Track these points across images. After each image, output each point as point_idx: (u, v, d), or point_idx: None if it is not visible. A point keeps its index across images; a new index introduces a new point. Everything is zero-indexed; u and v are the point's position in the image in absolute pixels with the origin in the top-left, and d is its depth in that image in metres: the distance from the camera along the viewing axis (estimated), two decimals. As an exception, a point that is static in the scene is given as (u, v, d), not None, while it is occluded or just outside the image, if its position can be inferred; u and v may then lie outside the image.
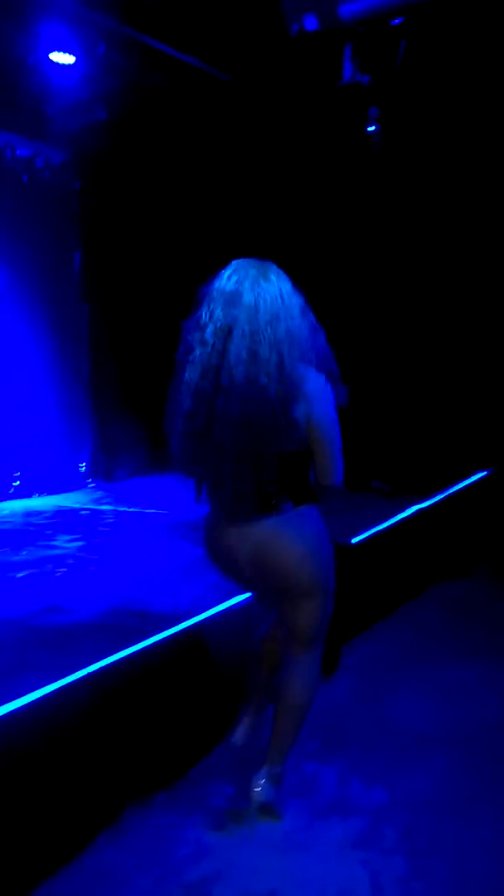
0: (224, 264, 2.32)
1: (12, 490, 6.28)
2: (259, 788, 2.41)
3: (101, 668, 2.74)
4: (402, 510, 4.91)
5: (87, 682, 2.66)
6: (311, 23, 4.71)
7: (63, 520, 5.50)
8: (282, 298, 2.20)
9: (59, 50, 5.24)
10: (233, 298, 2.18)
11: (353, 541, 4.23)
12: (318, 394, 2.21)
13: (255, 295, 2.17)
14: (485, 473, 6.16)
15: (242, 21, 5.25)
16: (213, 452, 2.21)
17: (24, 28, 5.01)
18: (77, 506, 6.03)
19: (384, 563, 4.38)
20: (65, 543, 4.77)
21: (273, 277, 2.23)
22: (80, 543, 4.76)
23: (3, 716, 2.33)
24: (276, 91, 5.96)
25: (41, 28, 5.06)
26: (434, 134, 5.83)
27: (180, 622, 3.09)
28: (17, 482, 6.34)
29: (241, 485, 2.20)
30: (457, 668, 3.52)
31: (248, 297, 2.17)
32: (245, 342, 2.14)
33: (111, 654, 2.88)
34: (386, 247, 6.18)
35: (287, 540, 2.27)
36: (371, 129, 5.92)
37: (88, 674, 2.74)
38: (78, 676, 2.69)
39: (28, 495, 6.32)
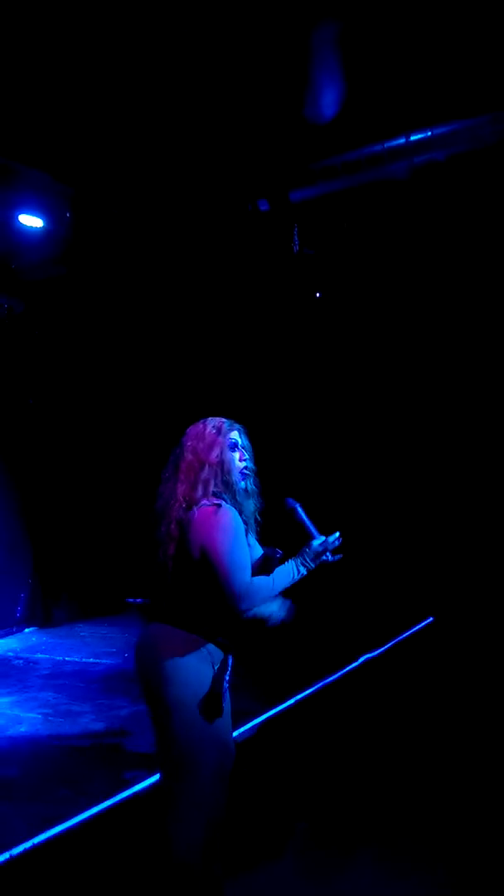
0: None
1: None
2: None
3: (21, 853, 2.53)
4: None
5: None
6: (263, 205, 5.20)
7: (-6, 670, 5.20)
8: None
9: (27, 213, 5.59)
10: None
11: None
12: None
13: None
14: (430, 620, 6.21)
15: (200, 195, 5.73)
16: None
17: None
18: (10, 654, 5.72)
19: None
20: (-5, 698, 4.49)
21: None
22: (11, 699, 4.48)
23: None
24: (232, 258, 6.45)
25: (12, 194, 5.42)
26: (370, 297, 6.38)
27: (117, 793, 2.90)
28: None
29: None
30: (407, 839, 3.31)
31: None
32: None
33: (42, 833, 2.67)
34: (326, 402, 6.54)
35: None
36: (318, 294, 6.41)
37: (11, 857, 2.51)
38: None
39: (-41, 642, 5.99)
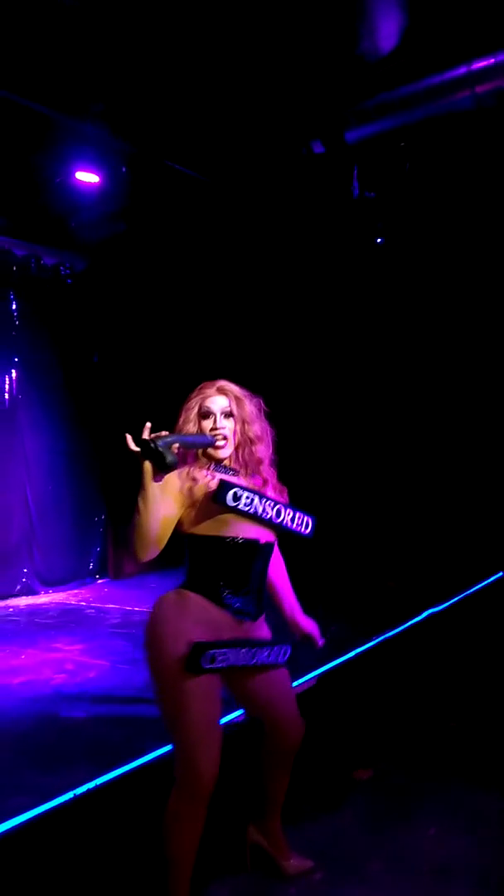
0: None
1: (19, 587, 6.24)
2: None
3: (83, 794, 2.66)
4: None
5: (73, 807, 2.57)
6: (318, 147, 5.01)
7: (67, 619, 5.43)
8: None
9: (84, 170, 5.59)
10: None
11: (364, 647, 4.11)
12: None
13: None
14: (500, 574, 6.10)
15: (252, 141, 5.56)
16: None
17: (52, 151, 5.37)
18: (83, 604, 5.96)
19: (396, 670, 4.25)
20: (66, 646, 4.69)
21: None
22: (81, 646, 4.68)
23: None
24: (290, 205, 6.28)
25: (68, 151, 5.42)
26: (436, 242, 6.11)
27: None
28: (25, 578, 6.30)
29: None
30: (474, 791, 3.29)
31: None
32: None
33: (98, 777, 2.80)
34: (391, 353, 6.36)
35: None
36: (379, 241, 6.18)
37: (75, 797, 2.66)
38: (64, 800, 2.61)
39: (36, 592, 6.27)
